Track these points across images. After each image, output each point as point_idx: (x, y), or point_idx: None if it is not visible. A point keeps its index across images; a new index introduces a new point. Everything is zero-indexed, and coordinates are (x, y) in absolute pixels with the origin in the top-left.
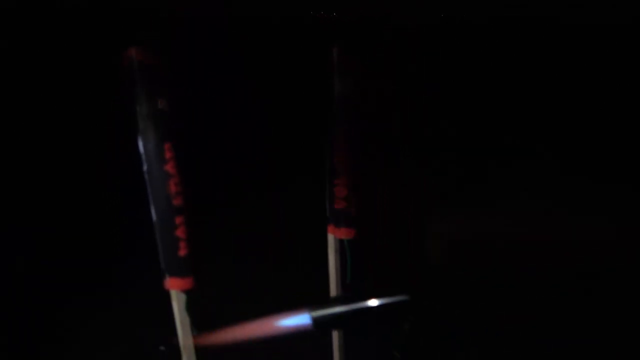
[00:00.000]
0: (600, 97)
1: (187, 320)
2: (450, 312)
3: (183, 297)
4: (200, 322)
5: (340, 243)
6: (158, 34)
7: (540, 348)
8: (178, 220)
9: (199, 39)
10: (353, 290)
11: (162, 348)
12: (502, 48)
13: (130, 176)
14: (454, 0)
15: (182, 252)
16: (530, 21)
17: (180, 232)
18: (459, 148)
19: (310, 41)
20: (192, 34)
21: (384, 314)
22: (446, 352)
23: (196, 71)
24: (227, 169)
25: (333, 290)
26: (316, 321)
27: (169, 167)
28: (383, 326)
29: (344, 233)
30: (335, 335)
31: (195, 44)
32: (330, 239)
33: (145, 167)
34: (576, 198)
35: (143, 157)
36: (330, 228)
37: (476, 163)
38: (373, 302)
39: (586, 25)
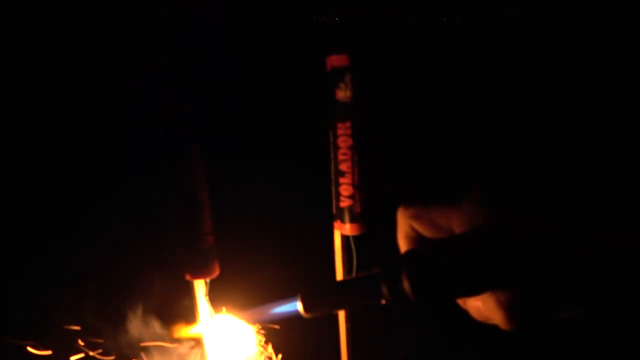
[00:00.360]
0: (601, 96)
1: (207, 307)
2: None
3: (203, 286)
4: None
5: (346, 240)
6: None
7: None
8: (202, 214)
9: (205, 43)
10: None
11: None
12: (501, 49)
13: (136, 176)
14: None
15: (206, 245)
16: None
17: (204, 226)
18: (458, 147)
19: (314, 43)
20: (199, 39)
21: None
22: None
23: (204, 73)
24: (235, 168)
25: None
26: (306, 306)
27: (196, 166)
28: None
29: (350, 229)
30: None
31: (202, 47)
32: (337, 235)
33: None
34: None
35: (169, 156)
36: (336, 225)
37: (477, 162)
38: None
39: (584, 26)
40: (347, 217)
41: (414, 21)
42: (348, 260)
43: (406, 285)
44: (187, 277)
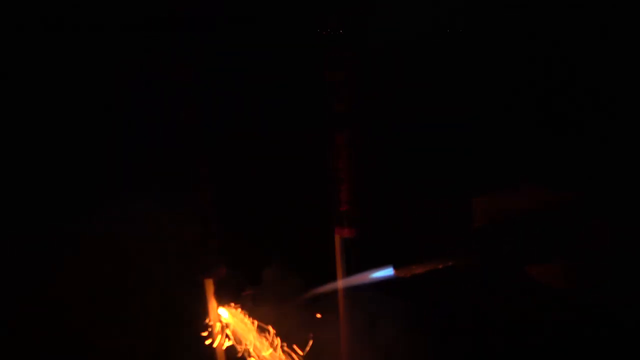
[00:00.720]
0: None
1: (214, 304)
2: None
3: (213, 285)
4: None
5: (345, 242)
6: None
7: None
8: (214, 222)
9: (205, 47)
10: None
11: None
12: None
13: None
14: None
15: (214, 250)
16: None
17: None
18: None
19: (318, 56)
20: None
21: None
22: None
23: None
24: (238, 178)
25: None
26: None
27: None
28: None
29: (348, 233)
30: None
31: (207, 55)
32: (336, 238)
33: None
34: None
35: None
36: (335, 229)
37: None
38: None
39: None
40: (345, 221)
41: (414, 31)
42: (346, 261)
43: (478, 252)
44: (199, 278)
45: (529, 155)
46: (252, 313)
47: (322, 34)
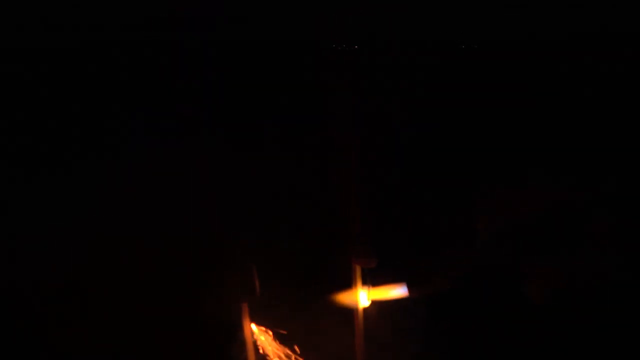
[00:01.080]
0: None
1: (248, 322)
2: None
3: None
4: None
5: (363, 271)
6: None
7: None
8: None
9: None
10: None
11: None
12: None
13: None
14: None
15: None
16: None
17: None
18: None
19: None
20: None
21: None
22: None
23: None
24: (265, 207)
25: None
26: (411, 291)
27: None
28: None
29: (365, 263)
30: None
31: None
32: (354, 266)
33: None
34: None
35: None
36: (352, 259)
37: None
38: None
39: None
40: (362, 252)
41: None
42: (364, 286)
43: (481, 257)
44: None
45: (529, 156)
46: (281, 331)
47: (336, 49)
